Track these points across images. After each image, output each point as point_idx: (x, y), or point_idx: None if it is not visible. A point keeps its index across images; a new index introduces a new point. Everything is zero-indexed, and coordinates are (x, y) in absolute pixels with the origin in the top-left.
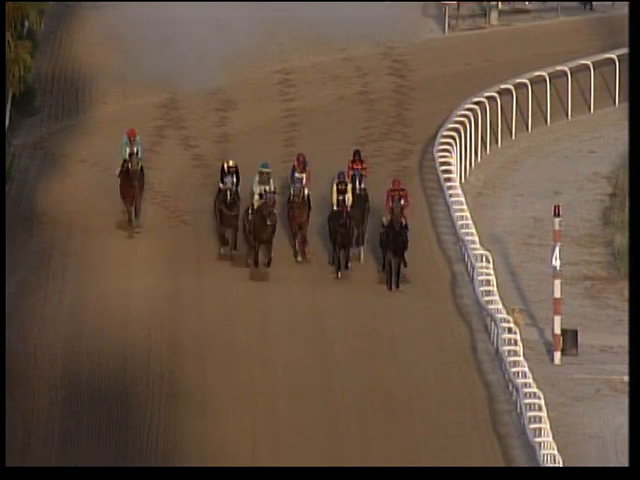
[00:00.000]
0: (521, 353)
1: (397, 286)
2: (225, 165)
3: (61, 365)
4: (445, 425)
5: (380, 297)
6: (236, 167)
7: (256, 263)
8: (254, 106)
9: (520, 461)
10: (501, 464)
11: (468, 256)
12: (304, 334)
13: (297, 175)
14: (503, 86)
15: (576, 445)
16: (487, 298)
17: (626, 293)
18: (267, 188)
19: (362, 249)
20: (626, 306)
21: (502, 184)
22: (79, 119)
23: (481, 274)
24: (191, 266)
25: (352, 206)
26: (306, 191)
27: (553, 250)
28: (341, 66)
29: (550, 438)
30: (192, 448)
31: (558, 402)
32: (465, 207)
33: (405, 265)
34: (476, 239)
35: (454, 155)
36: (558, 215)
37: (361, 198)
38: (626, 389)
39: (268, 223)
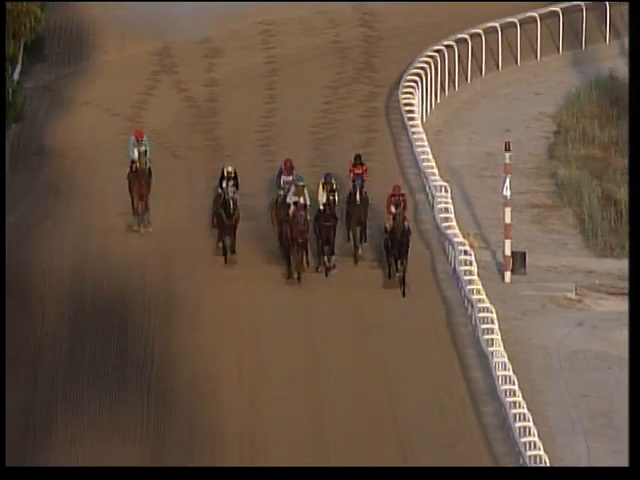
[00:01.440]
0: (475, 273)
1: (403, 294)
2: (224, 170)
3: (68, 285)
4: (408, 337)
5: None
6: (235, 173)
7: (290, 274)
8: (239, 54)
9: (474, 368)
10: (458, 371)
11: (429, 186)
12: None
13: (285, 178)
14: (460, 36)
15: (524, 354)
16: (445, 224)
17: (569, 219)
18: (301, 200)
19: (361, 247)
20: (569, 231)
21: (459, 123)
22: (83, 65)
23: (440, 202)
24: (184, 196)
25: (354, 211)
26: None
27: (504, 181)
28: (316, 18)
29: (501, 348)
30: (185, 359)
31: (508, 316)
32: (426, 143)
33: (405, 271)
34: (436, 171)
35: (416, 97)
36: (508, 150)
37: (362, 202)
38: (569, 304)
39: (300, 240)
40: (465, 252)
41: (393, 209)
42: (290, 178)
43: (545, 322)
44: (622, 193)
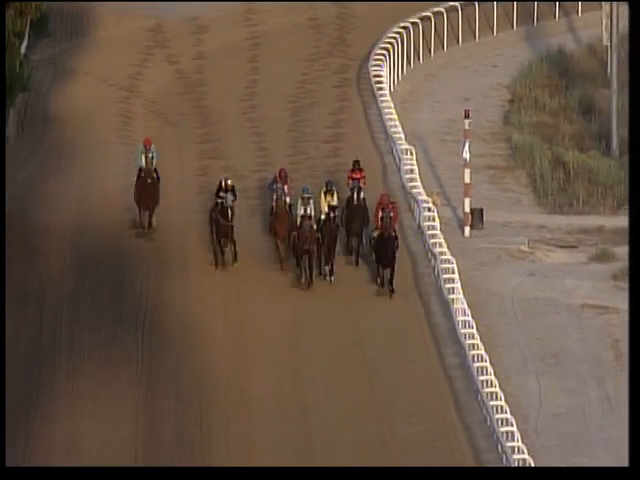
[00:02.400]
0: (438, 228)
1: (391, 293)
2: (223, 183)
3: (70, 238)
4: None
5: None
6: (233, 187)
7: (299, 278)
8: (224, 30)
9: (437, 314)
10: (422, 315)
11: (396, 150)
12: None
13: (278, 186)
14: (424, 14)
15: (482, 301)
16: (411, 184)
17: (523, 180)
18: (308, 209)
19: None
20: (522, 190)
21: (423, 93)
22: (84, 40)
23: (406, 165)
24: (174, 157)
25: (352, 217)
26: (287, 200)
27: (464, 145)
28: None
29: (461, 296)
30: (174, 299)
31: (467, 267)
32: (393, 111)
33: (392, 278)
34: (402, 136)
35: (384, 69)
36: (467, 117)
37: (360, 208)
38: (522, 256)
39: (305, 247)
40: (429, 209)
41: (380, 216)
42: (284, 187)
43: (500, 272)
44: (570, 156)
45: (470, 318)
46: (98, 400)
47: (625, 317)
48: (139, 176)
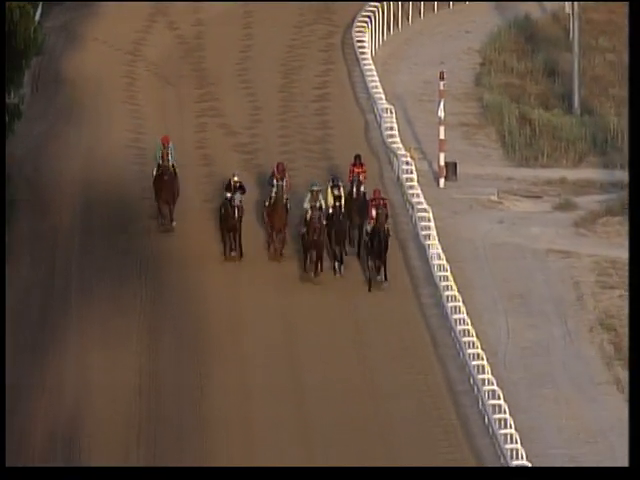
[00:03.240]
0: (415, 180)
1: (385, 278)
2: (231, 181)
3: (79, 192)
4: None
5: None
6: (240, 183)
7: (306, 271)
8: None
9: (415, 259)
10: (401, 259)
11: (377, 109)
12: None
13: (276, 182)
14: None
15: (455, 246)
16: (390, 140)
17: (492, 136)
18: (318, 204)
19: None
20: (492, 145)
21: (401, 56)
22: (93, 9)
23: (386, 122)
24: (175, 115)
25: (352, 209)
26: (285, 196)
27: (439, 104)
28: None
29: (436, 241)
30: (175, 253)
31: (442, 215)
32: (374, 73)
33: (385, 269)
34: (382, 96)
35: (367, 35)
36: (442, 79)
37: (359, 202)
38: (492, 205)
39: (314, 238)
40: (407, 163)
41: (374, 212)
42: (283, 182)
43: (472, 220)
44: (535, 114)
45: (444, 262)
46: (105, 335)
47: (585, 261)
48: (158, 172)
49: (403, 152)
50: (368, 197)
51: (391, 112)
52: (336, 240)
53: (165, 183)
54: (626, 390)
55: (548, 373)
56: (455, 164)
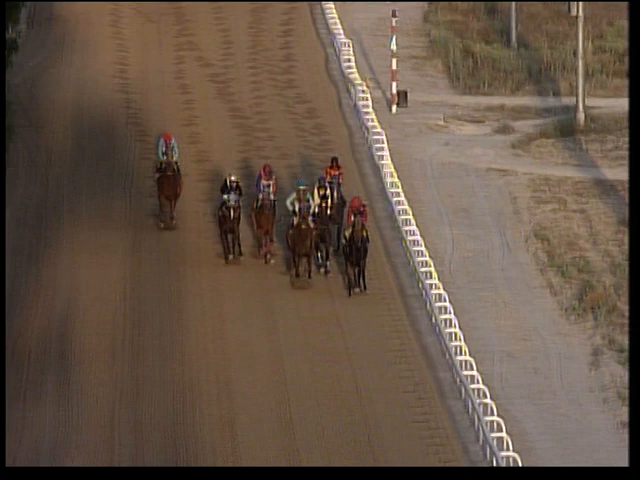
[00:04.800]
0: (370, 106)
1: (365, 288)
2: (227, 180)
3: (70, 114)
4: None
5: None
6: (237, 182)
7: (297, 275)
8: None
9: (369, 176)
10: (357, 177)
11: (336, 43)
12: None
13: (264, 182)
14: None
15: (406, 165)
16: (348, 70)
17: (439, 67)
18: (304, 202)
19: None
20: (439, 75)
21: None
22: None
23: (344, 55)
24: (155, 49)
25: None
26: (272, 197)
27: (391, 39)
28: None
29: (389, 161)
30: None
31: (395, 138)
32: (334, 12)
33: (364, 278)
34: (341, 31)
35: None
36: (394, 16)
37: (339, 205)
38: (439, 129)
39: (301, 235)
40: (362, 91)
41: (352, 218)
42: (269, 182)
43: (421, 142)
44: (477, 47)
45: (396, 180)
46: (94, 247)
47: (522, 178)
48: (160, 169)
49: (359, 81)
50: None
51: (349, 46)
52: (321, 240)
53: (168, 180)
54: (557, 293)
55: (488, 279)
56: (406, 92)
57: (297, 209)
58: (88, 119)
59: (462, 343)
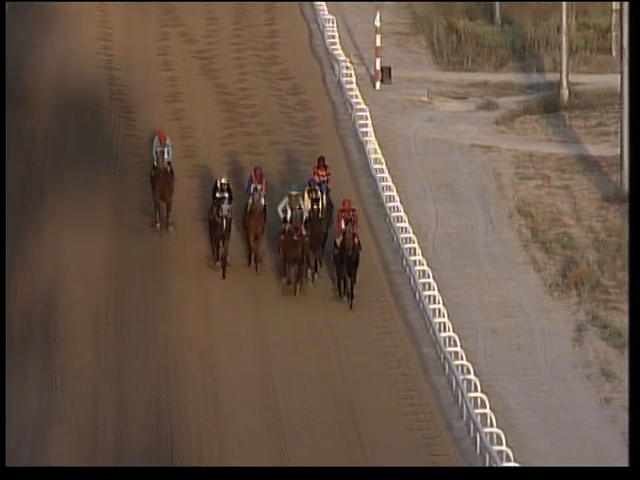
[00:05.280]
0: (354, 82)
1: (350, 307)
2: (218, 182)
3: (56, 87)
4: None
5: None
6: (228, 184)
7: (288, 282)
8: None
9: (353, 152)
10: (341, 153)
11: (319, 19)
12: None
13: (254, 186)
14: None
15: (390, 141)
16: (332, 47)
17: (423, 43)
18: (296, 208)
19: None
20: (423, 52)
21: None
22: None
23: (328, 31)
24: (140, 26)
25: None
26: (263, 201)
27: (375, 15)
28: None
29: (373, 137)
30: (144, 147)
31: (379, 114)
32: None
33: (353, 288)
34: (325, 8)
35: None
36: None
37: (327, 209)
38: (423, 105)
39: (293, 241)
40: (346, 67)
41: (343, 225)
42: (260, 186)
43: (405, 118)
44: (461, 24)
45: (380, 156)
46: (78, 225)
47: (505, 155)
48: (155, 170)
49: (343, 58)
50: (334, 203)
51: (332, 22)
52: (311, 246)
53: (161, 180)
54: (541, 269)
55: (472, 255)
56: (390, 68)
57: (288, 216)
58: (72, 96)
59: (446, 319)
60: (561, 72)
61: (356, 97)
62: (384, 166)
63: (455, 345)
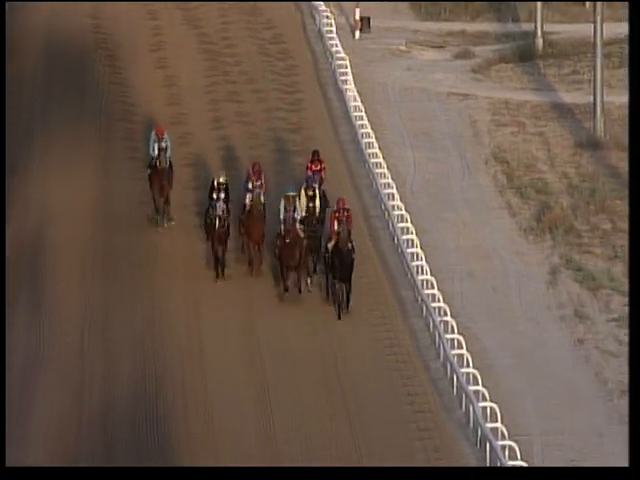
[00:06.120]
0: (334, 32)
1: (347, 309)
2: (215, 182)
3: (42, 39)
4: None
5: None
6: (226, 184)
7: (286, 289)
8: None
9: (334, 100)
10: (321, 100)
11: None
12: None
13: (252, 183)
14: None
15: (369, 90)
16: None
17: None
18: (290, 210)
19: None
20: (402, 1)
21: None
22: None
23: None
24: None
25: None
26: (262, 199)
27: None
28: None
29: (353, 85)
30: (132, 88)
31: (358, 63)
32: None
33: (349, 293)
34: None
35: None
36: None
37: (321, 201)
38: (401, 54)
39: (289, 246)
40: (327, 17)
41: (336, 226)
42: (258, 183)
43: (384, 67)
44: None
45: (360, 103)
46: (65, 166)
47: (482, 102)
48: (153, 164)
49: (324, 7)
50: (330, 201)
51: None
52: (309, 250)
53: (160, 175)
54: (516, 214)
55: (449, 200)
56: (369, 18)
57: (282, 218)
58: (59, 44)
59: (423, 262)
60: (536, 22)
61: (336, 46)
62: (363, 113)
63: (432, 288)
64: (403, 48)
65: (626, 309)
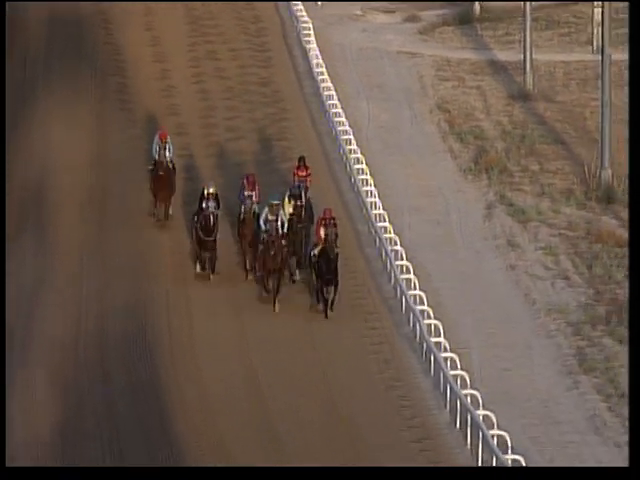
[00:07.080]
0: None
1: (331, 309)
2: (205, 191)
3: (46, 20)
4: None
5: None
6: (216, 194)
7: (267, 291)
8: None
9: (299, 58)
10: (289, 67)
11: None
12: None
13: (247, 193)
14: None
15: (328, 49)
16: None
17: None
18: (277, 218)
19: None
20: None
21: None
22: None
23: None
24: None
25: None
26: (256, 208)
27: None
28: None
29: (314, 45)
30: (123, 45)
31: (319, 26)
32: None
33: (334, 297)
34: None
35: None
36: None
37: (306, 209)
38: (357, 18)
39: (272, 253)
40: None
41: (322, 233)
42: (252, 193)
43: (342, 29)
44: None
45: (321, 61)
46: (65, 115)
47: (427, 60)
48: (155, 168)
49: (301, 8)
50: (315, 209)
51: None
52: (293, 250)
53: (162, 179)
54: (457, 157)
55: (399, 145)
56: None
57: (265, 227)
58: (60, 10)
59: (377, 199)
60: None
61: (301, 11)
62: (324, 70)
63: (384, 221)
64: (359, 13)
65: (552, 239)
